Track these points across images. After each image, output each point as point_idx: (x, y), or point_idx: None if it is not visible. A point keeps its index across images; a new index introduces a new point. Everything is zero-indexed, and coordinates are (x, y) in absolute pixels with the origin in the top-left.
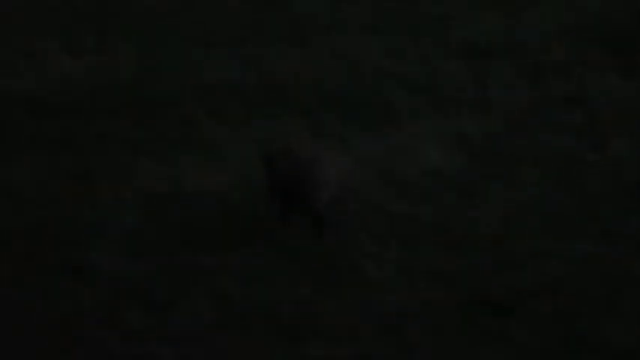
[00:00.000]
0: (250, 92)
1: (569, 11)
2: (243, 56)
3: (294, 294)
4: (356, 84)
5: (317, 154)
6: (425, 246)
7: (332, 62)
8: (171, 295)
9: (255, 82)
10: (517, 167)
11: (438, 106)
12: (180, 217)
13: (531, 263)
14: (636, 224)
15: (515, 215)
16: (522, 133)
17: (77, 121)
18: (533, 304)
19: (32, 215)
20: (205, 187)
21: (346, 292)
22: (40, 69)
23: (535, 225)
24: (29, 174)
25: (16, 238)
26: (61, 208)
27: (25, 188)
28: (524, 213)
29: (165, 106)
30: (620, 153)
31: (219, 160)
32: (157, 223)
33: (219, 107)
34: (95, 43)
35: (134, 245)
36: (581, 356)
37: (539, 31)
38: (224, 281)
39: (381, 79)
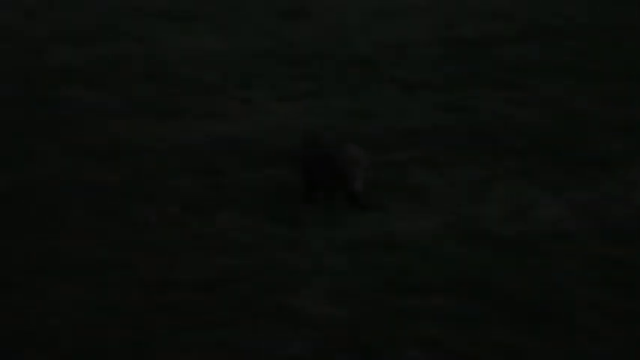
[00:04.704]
0: (456, 136)
1: None
2: (448, 100)
3: (497, 338)
4: (567, 129)
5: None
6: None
7: (541, 107)
8: (377, 340)
9: (461, 126)
10: None
11: None
12: (387, 262)
13: None
14: None
15: None
16: None
17: (291, 167)
18: None
19: (246, 260)
20: (411, 232)
21: (555, 339)
22: (254, 115)
23: None
24: (243, 220)
25: (231, 282)
26: (273, 253)
27: (239, 234)
28: None
29: (372, 152)
30: None
31: (425, 205)
32: (364, 268)
33: (425, 151)
34: (309, 88)
35: (341, 290)
36: None
37: None
38: (429, 325)
39: (593, 124)
